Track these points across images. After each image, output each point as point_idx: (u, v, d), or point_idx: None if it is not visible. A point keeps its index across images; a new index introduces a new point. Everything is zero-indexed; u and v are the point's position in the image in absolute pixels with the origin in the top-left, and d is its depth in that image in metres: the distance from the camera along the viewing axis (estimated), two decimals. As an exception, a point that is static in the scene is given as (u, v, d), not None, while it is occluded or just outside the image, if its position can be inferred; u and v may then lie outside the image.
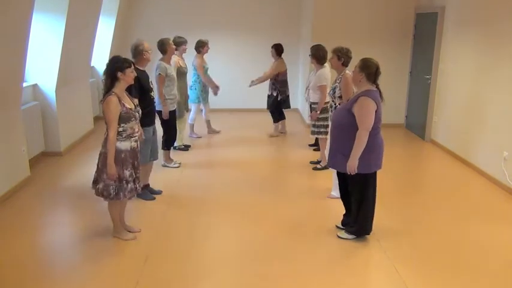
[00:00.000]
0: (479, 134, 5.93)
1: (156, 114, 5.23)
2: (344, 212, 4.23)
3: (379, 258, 3.80)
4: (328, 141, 4.61)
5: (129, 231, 4.12)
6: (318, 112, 5.69)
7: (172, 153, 6.28)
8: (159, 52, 5.64)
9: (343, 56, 4.88)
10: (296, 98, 9.74)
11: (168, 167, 5.99)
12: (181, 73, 6.31)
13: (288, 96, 7.50)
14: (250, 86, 7.45)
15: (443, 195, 5.24)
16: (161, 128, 5.73)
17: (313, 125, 5.83)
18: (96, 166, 3.81)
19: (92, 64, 8.09)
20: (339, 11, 7.92)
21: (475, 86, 6.09)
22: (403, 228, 4.35)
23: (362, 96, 3.70)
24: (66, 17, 5.80)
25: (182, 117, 6.54)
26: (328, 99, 5.42)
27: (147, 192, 4.89)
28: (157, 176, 5.51)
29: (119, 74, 3.65)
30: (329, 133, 4.68)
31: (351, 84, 4.81)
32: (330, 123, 5.00)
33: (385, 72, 3.96)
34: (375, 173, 3.90)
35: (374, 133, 3.73)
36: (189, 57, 6.81)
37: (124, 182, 3.76)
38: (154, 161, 5.02)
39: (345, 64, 4.92)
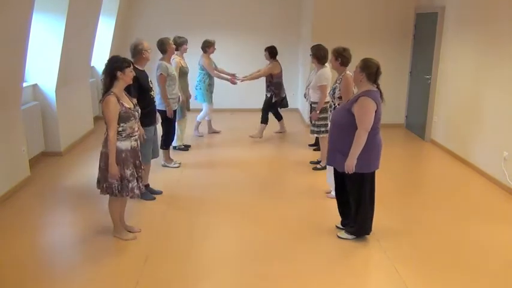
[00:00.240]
0: (479, 134, 5.93)
1: (158, 113, 5.25)
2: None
3: (379, 258, 3.80)
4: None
5: (129, 231, 4.12)
6: (318, 112, 5.69)
7: (172, 153, 6.28)
8: (159, 52, 5.65)
9: (339, 56, 4.87)
10: (296, 98, 9.75)
11: (168, 167, 6.00)
12: (183, 73, 6.31)
13: (284, 97, 7.46)
14: (241, 81, 7.47)
15: (443, 195, 5.24)
16: (161, 128, 5.73)
17: (314, 125, 5.83)
18: (98, 166, 3.81)
19: (92, 64, 8.09)
20: (339, 11, 7.92)
21: (475, 86, 6.09)
22: (403, 228, 4.35)
23: (362, 96, 3.70)
24: (66, 17, 5.80)
25: (183, 117, 6.55)
26: (328, 99, 5.42)
27: (147, 192, 4.89)
28: (157, 176, 5.52)
29: (119, 73, 3.65)
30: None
31: (351, 85, 4.81)
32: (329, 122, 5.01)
33: (385, 72, 3.96)
34: (373, 173, 3.91)
35: (373, 133, 3.73)
36: (189, 57, 6.81)
37: (126, 181, 3.76)
38: (154, 160, 5.03)
39: (344, 64, 4.91)
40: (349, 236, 4.06)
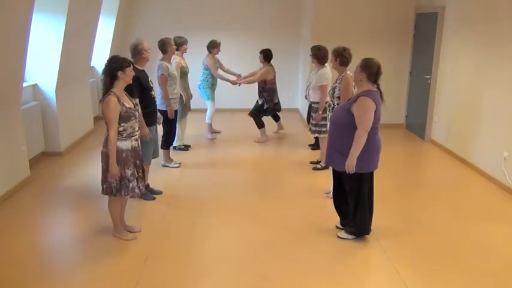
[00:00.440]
0: (479, 134, 5.93)
1: (159, 113, 5.25)
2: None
3: (379, 258, 3.80)
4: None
5: (129, 231, 4.12)
6: (320, 112, 5.69)
7: (172, 153, 6.28)
8: (159, 52, 5.65)
9: (339, 56, 4.87)
10: (296, 98, 9.75)
11: (168, 167, 6.00)
12: (184, 73, 6.31)
13: (277, 103, 7.27)
14: (238, 84, 7.37)
15: (443, 195, 5.24)
16: (161, 127, 5.73)
17: (315, 125, 5.83)
18: (101, 167, 3.81)
19: (92, 64, 8.09)
20: (339, 11, 7.92)
21: (475, 86, 6.09)
22: (403, 228, 4.35)
23: (362, 96, 3.70)
24: (66, 17, 5.80)
25: (184, 117, 6.55)
26: (327, 99, 5.43)
27: (147, 192, 4.89)
28: (157, 176, 5.52)
29: (119, 73, 3.65)
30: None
31: (350, 86, 4.81)
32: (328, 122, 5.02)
33: (385, 72, 3.96)
34: (371, 173, 3.91)
35: (372, 133, 3.74)
36: (189, 57, 6.81)
37: (126, 181, 3.76)
38: (154, 160, 5.04)
39: (343, 64, 4.90)
40: (349, 236, 4.06)
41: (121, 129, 3.69)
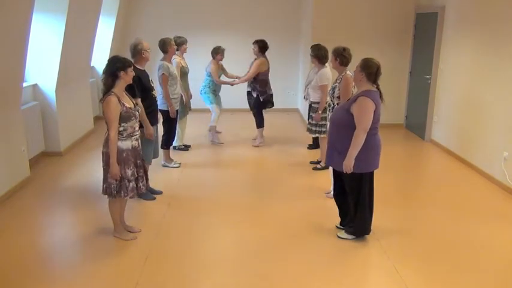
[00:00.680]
0: (479, 134, 5.93)
1: (160, 112, 5.26)
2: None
3: (379, 258, 3.80)
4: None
5: (129, 231, 4.12)
6: (320, 112, 5.69)
7: (172, 153, 6.28)
8: (160, 52, 5.65)
9: (338, 56, 4.86)
10: (296, 98, 9.75)
11: (168, 166, 6.00)
12: (184, 73, 6.31)
13: (271, 95, 7.02)
14: (233, 85, 7.20)
15: (443, 195, 5.24)
16: (161, 127, 5.74)
17: (315, 124, 5.82)
18: (102, 166, 3.81)
19: (92, 64, 8.09)
20: (339, 11, 7.92)
21: (475, 86, 6.09)
22: (403, 228, 4.35)
23: (361, 96, 3.70)
24: (66, 17, 5.80)
25: (184, 117, 6.55)
26: (327, 99, 5.43)
27: (147, 192, 4.88)
28: (157, 176, 5.52)
29: (121, 73, 3.65)
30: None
31: (350, 86, 4.81)
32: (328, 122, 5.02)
33: (385, 72, 3.96)
34: (371, 173, 3.91)
35: (372, 133, 3.74)
36: (189, 57, 6.81)
37: (126, 181, 3.77)
38: (154, 160, 5.04)
39: (343, 64, 4.89)
40: (349, 236, 4.06)
41: (121, 129, 3.69)
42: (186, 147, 6.85)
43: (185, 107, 6.46)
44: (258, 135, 7.14)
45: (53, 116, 6.29)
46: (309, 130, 5.99)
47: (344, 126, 3.76)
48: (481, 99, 5.93)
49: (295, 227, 4.35)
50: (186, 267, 3.65)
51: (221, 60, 7.03)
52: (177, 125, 6.29)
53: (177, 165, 6.05)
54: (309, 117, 6.00)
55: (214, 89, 7.07)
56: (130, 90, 3.99)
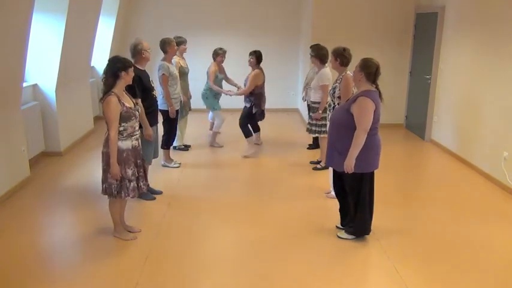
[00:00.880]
0: (479, 134, 5.93)
1: (160, 112, 5.25)
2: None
3: (379, 258, 3.80)
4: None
5: (129, 231, 4.12)
6: (321, 112, 5.69)
7: (172, 153, 6.28)
8: (160, 52, 5.65)
9: (339, 56, 4.86)
10: (296, 98, 9.75)
11: (168, 166, 6.00)
12: (182, 73, 6.30)
13: (264, 110, 6.66)
14: (227, 94, 6.84)
15: (443, 195, 5.24)
16: (162, 127, 5.74)
17: (315, 124, 5.82)
18: (101, 166, 3.81)
19: (92, 64, 8.09)
20: (339, 11, 7.92)
21: (475, 86, 6.09)
22: (403, 228, 4.35)
23: (361, 96, 3.70)
24: (66, 17, 5.80)
25: (184, 117, 6.55)
26: (328, 98, 5.43)
27: (147, 192, 4.88)
28: (157, 176, 5.52)
29: (122, 73, 3.66)
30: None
31: (350, 86, 4.81)
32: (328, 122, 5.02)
33: (385, 72, 3.96)
34: (371, 173, 3.91)
35: (372, 133, 3.73)
36: (190, 57, 6.80)
37: (126, 180, 3.77)
38: (154, 160, 5.04)
39: (343, 64, 4.90)
40: (349, 236, 4.06)
41: (121, 129, 3.69)
42: (186, 147, 6.85)
43: (184, 107, 6.45)
44: (248, 145, 6.69)
45: (53, 116, 6.29)
46: (309, 130, 5.99)
47: (344, 127, 3.76)
48: (481, 99, 5.92)
49: (295, 227, 4.35)
50: (186, 267, 3.65)
51: (221, 62, 6.90)
52: (177, 125, 6.29)
53: (177, 165, 6.05)
54: (309, 117, 6.00)
55: (216, 92, 6.87)
56: (131, 90, 4.00)
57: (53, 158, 6.29)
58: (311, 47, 6.11)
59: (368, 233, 4.07)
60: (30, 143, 5.67)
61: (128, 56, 4.21)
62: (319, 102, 5.78)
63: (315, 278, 3.49)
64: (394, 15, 7.96)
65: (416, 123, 7.86)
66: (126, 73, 3.68)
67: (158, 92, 5.34)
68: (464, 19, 6.41)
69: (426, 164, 6.81)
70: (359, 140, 3.67)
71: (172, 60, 5.99)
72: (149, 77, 4.73)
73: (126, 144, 3.75)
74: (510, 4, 5.27)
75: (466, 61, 6.36)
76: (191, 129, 7.37)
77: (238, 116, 6.64)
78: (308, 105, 6.37)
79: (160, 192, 5.08)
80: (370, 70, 3.73)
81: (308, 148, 6.95)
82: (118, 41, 8.80)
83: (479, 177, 5.76)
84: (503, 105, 5.40)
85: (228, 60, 7.19)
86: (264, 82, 6.54)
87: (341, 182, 4.02)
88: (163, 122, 5.81)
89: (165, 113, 5.74)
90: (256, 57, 6.43)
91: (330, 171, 4.68)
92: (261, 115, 6.69)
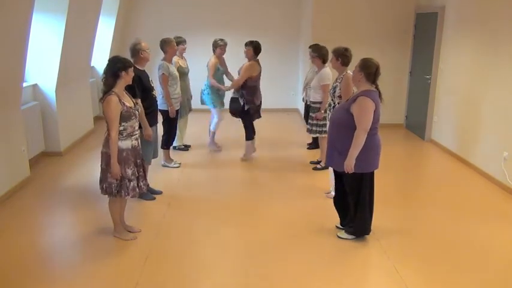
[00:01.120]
0: (479, 134, 5.93)
1: (159, 112, 5.25)
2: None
3: (379, 258, 3.80)
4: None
5: (129, 231, 4.12)
6: (323, 112, 5.69)
7: (172, 153, 6.28)
8: (161, 51, 5.66)
9: (340, 56, 4.87)
10: (296, 98, 9.75)
11: (168, 166, 6.00)
12: (182, 73, 6.29)
13: (259, 106, 6.15)
14: (225, 90, 6.45)
15: (443, 195, 5.24)
16: (161, 127, 5.73)
17: (316, 124, 5.82)
18: (100, 166, 3.81)
19: (92, 64, 8.09)
20: (339, 11, 7.92)
21: (475, 86, 6.09)
22: (403, 228, 4.35)
23: (361, 96, 3.70)
24: (66, 17, 5.80)
25: (183, 117, 6.54)
26: (328, 98, 5.43)
27: (147, 192, 4.88)
28: (157, 176, 5.52)
29: (123, 73, 3.66)
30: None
31: (351, 85, 4.80)
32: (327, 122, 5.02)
33: (385, 72, 3.96)
34: (371, 173, 3.91)
35: (372, 133, 3.73)
36: (189, 57, 6.80)
37: (126, 180, 3.77)
38: (154, 160, 5.04)
39: (344, 64, 4.91)
40: (349, 236, 4.06)
41: (121, 128, 3.69)
42: (186, 147, 6.84)
43: (184, 107, 6.44)
44: (246, 148, 6.31)
45: (53, 116, 6.29)
46: (309, 130, 5.99)
47: (344, 126, 3.76)
48: (481, 99, 5.92)
49: (295, 227, 4.35)
50: (186, 267, 3.65)
51: (222, 54, 6.45)
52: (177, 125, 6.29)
53: (177, 165, 6.05)
54: (309, 117, 6.00)
55: (218, 88, 6.47)
56: (131, 90, 4.00)
57: (53, 158, 6.29)
58: (311, 47, 6.11)
59: (368, 233, 4.07)
60: (30, 143, 5.67)
61: (127, 56, 4.21)
62: (319, 102, 5.79)
63: (315, 278, 3.49)
64: (394, 15, 7.96)
65: (416, 123, 7.86)
66: (126, 73, 3.68)
67: (158, 92, 5.34)
68: (464, 19, 6.41)
69: (426, 164, 6.81)
70: (359, 140, 3.67)
71: (172, 60, 5.99)
72: (149, 77, 4.72)
73: (126, 144, 3.75)
74: (510, 4, 5.27)
75: (466, 61, 6.36)
76: (191, 129, 7.36)
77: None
78: (308, 105, 6.36)
79: (160, 192, 5.08)
80: (370, 70, 3.73)
81: (308, 148, 6.95)
82: (118, 41, 8.80)
83: (479, 177, 5.76)
84: (504, 105, 5.39)
85: (227, 60, 7.17)
86: (259, 75, 5.97)
87: (340, 182, 4.02)
88: (163, 122, 5.80)
89: (165, 113, 5.75)
90: (254, 47, 5.87)
91: (330, 171, 4.68)
92: (256, 113, 6.13)
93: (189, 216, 4.59)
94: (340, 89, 4.90)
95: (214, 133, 6.78)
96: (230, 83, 6.41)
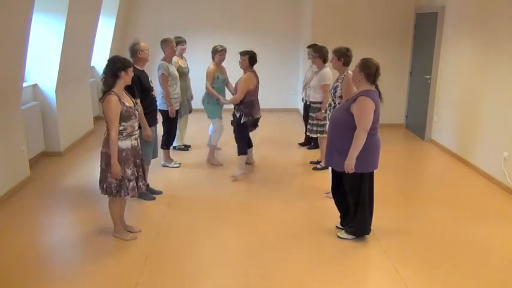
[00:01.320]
0: (479, 134, 5.93)
1: (159, 112, 5.25)
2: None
3: (379, 258, 3.80)
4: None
5: (129, 231, 4.12)
6: (324, 112, 5.69)
7: (172, 153, 6.28)
8: (161, 51, 5.66)
9: (342, 56, 4.87)
10: (296, 98, 9.75)
11: (168, 166, 6.00)
12: (182, 73, 6.28)
13: (258, 119, 5.74)
14: (221, 101, 5.97)
15: (443, 195, 5.24)
16: (161, 127, 5.73)
17: (317, 124, 5.82)
18: (99, 166, 3.81)
19: (92, 64, 8.09)
20: (339, 11, 7.93)
21: (475, 86, 6.09)
22: (403, 228, 4.35)
23: (361, 96, 3.70)
24: (66, 17, 5.80)
25: (183, 117, 6.54)
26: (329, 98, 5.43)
27: (147, 192, 4.89)
28: (157, 176, 5.52)
29: (122, 73, 3.66)
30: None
31: (352, 85, 4.81)
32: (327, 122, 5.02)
33: (385, 72, 3.96)
34: (371, 173, 3.91)
35: (372, 133, 3.73)
36: (189, 57, 6.80)
37: (126, 180, 3.77)
38: (154, 160, 5.04)
39: (346, 64, 4.91)
40: (349, 236, 4.06)
41: (121, 128, 3.69)
42: (186, 147, 6.85)
43: (184, 107, 6.43)
44: (238, 163, 5.78)
45: (53, 116, 6.29)
46: (310, 130, 5.99)
47: (344, 126, 3.76)
48: (481, 99, 5.92)
49: (295, 227, 4.35)
50: (186, 267, 3.65)
51: (221, 61, 6.07)
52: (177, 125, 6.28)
53: (177, 165, 6.05)
54: (309, 117, 6.00)
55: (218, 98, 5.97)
56: (130, 91, 3.99)
57: (53, 158, 6.29)
58: (310, 46, 6.11)
59: (368, 233, 4.07)
60: (30, 143, 5.67)
61: (127, 56, 4.21)
62: (319, 102, 5.79)
63: (315, 278, 3.49)
64: (394, 15, 7.96)
65: (416, 123, 7.86)
66: (125, 73, 3.68)
67: (158, 92, 5.33)
68: (464, 19, 6.41)
69: (426, 164, 6.81)
70: (359, 140, 3.67)
71: (172, 60, 5.99)
72: (148, 77, 4.72)
73: (126, 143, 3.75)
74: (510, 4, 5.26)
75: (466, 61, 6.36)
76: (191, 129, 7.36)
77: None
78: (307, 105, 6.36)
79: (160, 192, 5.08)
80: (370, 71, 3.73)
81: (308, 148, 6.94)
82: (118, 41, 8.80)
83: (479, 177, 5.76)
84: (504, 105, 5.39)
85: (228, 60, 7.17)
86: (257, 87, 5.58)
87: (340, 182, 4.02)
88: (163, 122, 5.80)
89: (164, 113, 5.74)
90: (249, 58, 5.50)
91: (330, 172, 4.68)
92: (253, 125, 5.75)
93: (189, 216, 4.59)
94: (341, 89, 4.90)
95: (214, 147, 6.23)
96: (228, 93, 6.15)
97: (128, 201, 4.19)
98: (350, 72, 4.86)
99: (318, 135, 5.94)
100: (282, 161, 6.46)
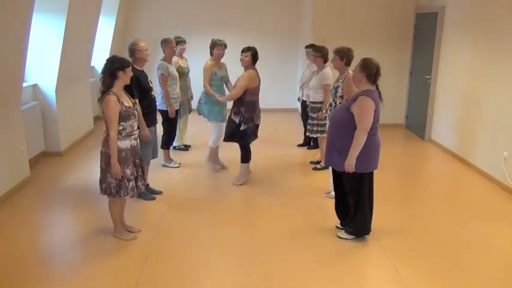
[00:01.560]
0: (479, 133, 5.93)
1: (159, 112, 5.24)
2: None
3: (379, 258, 3.80)
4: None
5: (129, 231, 4.12)
6: (324, 112, 5.69)
7: (172, 153, 6.28)
8: (161, 51, 5.65)
9: (345, 56, 4.86)
10: (296, 98, 9.74)
11: (168, 166, 6.00)
12: (182, 73, 6.28)
13: (258, 125, 5.30)
14: (218, 100, 5.47)
15: (443, 195, 5.25)
16: (161, 127, 5.73)
17: (317, 124, 5.82)
18: (99, 166, 3.81)
19: (92, 64, 8.09)
20: (339, 11, 7.93)
21: (475, 86, 6.09)
22: (403, 228, 4.35)
23: (361, 96, 3.70)
24: (66, 17, 5.80)
25: (183, 117, 6.53)
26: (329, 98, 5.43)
27: (147, 192, 4.89)
28: (157, 176, 5.52)
29: (120, 73, 3.65)
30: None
31: (353, 85, 4.81)
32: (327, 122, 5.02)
33: (385, 72, 3.96)
34: (371, 173, 3.91)
35: (372, 133, 3.73)
36: (190, 57, 6.80)
37: (125, 180, 3.77)
38: (154, 160, 5.04)
39: (348, 64, 4.91)
40: (349, 236, 4.06)
41: (120, 128, 3.69)
42: (186, 147, 6.84)
43: (184, 107, 6.43)
44: (241, 170, 5.45)
45: (53, 116, 6.28)
46: (310, 131, 5.99)
47: (344, 126, 3.76)
48: (481, 99, 5.92)
49: (295, 227, 4.35)
50: (186, 267, 3.65)
51: (220, 56, 5.63)
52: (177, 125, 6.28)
53: (177, 165, 6.05)
54: (309, 117, 5.99)
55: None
56: (129, 91, 3.99)
57: (53, 158, 6.29)
58: (309, 46, 6.10)
59: (368, 233, 4.06)
60: (30, 143, 5.67)
61: (127, 56, 4.21)
62: (320, 102, 5.79)
63: (315, 278, 3.49)
64: (394, 15, 7.97)
65: (416, 123, 7.86)
66: (123, 73, 3.67)
67: (157, 92, 5.33)
68: (464, 19, 6.41)
69: (426, 163, 6.81)
70: (359, 140, 3.67)
71: (172, 60, 5.99)
72: (147, 78, 4.71)
73: (125, 143, 3.75)
74: (510, 4, 5.27)
75: (466, 61, 6.36)
76: (191, 129, 7.36)
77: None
78: (307, 105, 6.36)
79: (160, 192, 5.08)
80: (370, 71, 3.73)
81: (308, 148, 6.94)
82: (118, 41, 8.80)
83: (479, 177, 5.76)
84: (504, 105, 5.39)
85: (228, 61, 7.16)
86: (258, 87, 5.20)
87: (340, 182, 4.02)
88: (162, 122, 5.80)
89: (164, 113, 5.74)
90: (252, 55, 5.10)
91: (330, 171, 4.68)
92: (254, 134, 5.28)
93: (189, 216, 4.59)
94: (342, 89, 4.90)
95: (214, 149, 5.87)
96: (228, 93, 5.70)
97: (127, 201, 4.18)
98: (351, 72, 4.86)
99: (318, 135, 5.93)
100: (281, 161, 6.46)
